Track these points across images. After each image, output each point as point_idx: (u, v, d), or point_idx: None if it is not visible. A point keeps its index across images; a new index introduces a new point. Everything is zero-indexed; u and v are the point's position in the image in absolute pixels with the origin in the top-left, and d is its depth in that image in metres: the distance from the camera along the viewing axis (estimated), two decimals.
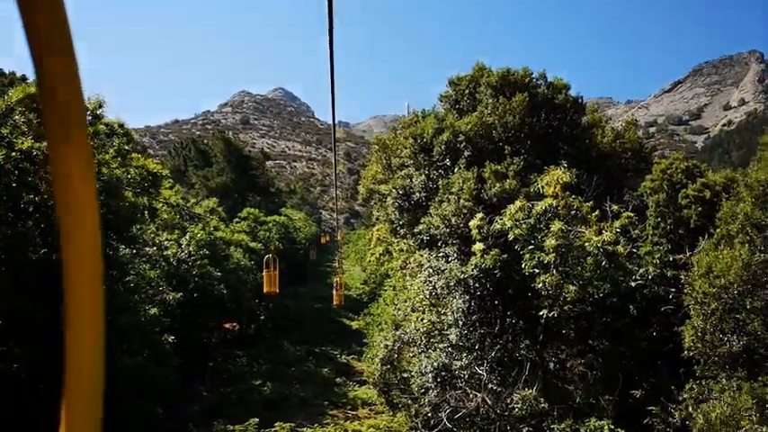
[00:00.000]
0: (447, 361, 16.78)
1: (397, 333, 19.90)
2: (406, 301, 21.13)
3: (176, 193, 37.82)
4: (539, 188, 14.56)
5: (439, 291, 16.86)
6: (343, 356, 36.30)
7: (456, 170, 17.90)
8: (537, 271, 14.12)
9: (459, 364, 16.52)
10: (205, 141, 68.05)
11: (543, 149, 18.69)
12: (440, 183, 18.07)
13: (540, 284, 13.89)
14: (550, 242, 12.75)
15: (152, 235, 22.13)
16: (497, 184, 16.37)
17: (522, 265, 14.24)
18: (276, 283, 24.98)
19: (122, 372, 13.86)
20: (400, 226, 20.62)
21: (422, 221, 18.35)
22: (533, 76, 20.20)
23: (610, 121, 22.86)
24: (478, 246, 14.41)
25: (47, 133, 0.72)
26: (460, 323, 16.43)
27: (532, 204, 14.08)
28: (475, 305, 16.14)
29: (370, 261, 49.35)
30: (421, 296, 18.29)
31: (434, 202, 17.94)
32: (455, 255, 16.75)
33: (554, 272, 13.98)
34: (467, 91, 20.78)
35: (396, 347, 20.07)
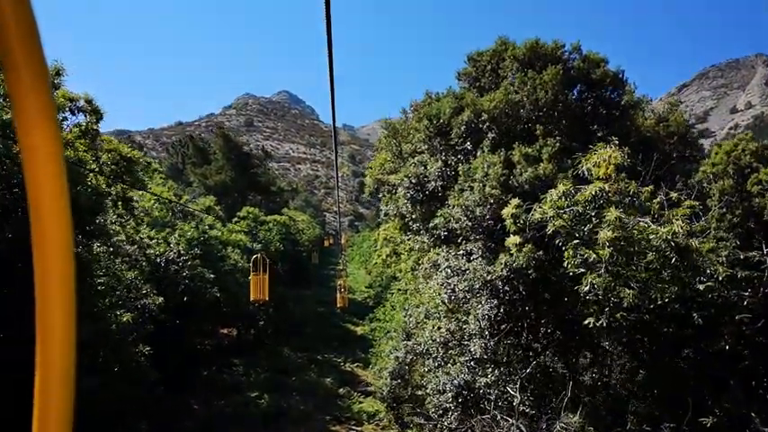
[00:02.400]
0: (470, 378, 14.23)
1: (409, 343, 17.36)
2: (418, 307, 18.59)
3: (169, 189, 35.53)
4: (582, 171, 11.98)
5: (460, 295, 14.31)
6: (348, 364, 34.03)
7: (479, 154, 15.38)
8: (582, 271, 11.57)
9: (483, 381, 13.97)
10: (204, 138, 65.60)
11: (578, 131, 16.17)
12: (460, 169, 15.52)
13: (587, 287, 11.33)
14: (605, 234, 10.21)
15: (131, 230, 19.64)
16: (529, 169, 13.84)
17: (565, 264, 11.67)
18: (265, 290, 21.82)
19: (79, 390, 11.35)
20: (413, 220, 18.05)
21: (438, 214, 15.82)
22: (565, 48, 17.70)
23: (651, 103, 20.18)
24: (513, 239, 11.83)
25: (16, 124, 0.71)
26: (486, 333, 13.86)
27: (576, 190, 11.52)
28: (504, 312, 13.58)
29: (375, 263, 46.89)
30: (437, 301, 15.74)
31: (453, 192, 15.41)
32: (479, 252, 14.20)
33: (602, 272, 11.44)
34: (488, 67, 18.24)
35: (407, 360, 17.55)
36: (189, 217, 33.59)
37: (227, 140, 54.07)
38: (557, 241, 11.74)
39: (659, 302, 10.94)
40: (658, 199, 11.39)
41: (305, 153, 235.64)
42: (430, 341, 15.77)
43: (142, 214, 28.01)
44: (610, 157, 11.16)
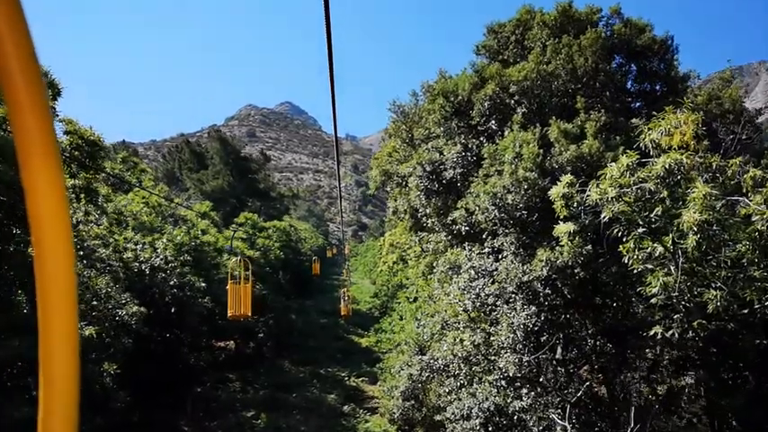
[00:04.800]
0: (501, 400, 11.72)
1: (424, 358, 14.82)
2: (433, 316, 16.07)
3: (159, 191, 33.19)
4: (646, 144, 9.47)
5: (489, 300, 11.81)
6: (352, 379, 31.75)
7: (506, 134, 12.92)
8: (650, 267, 9.10)
9: (518, 405, 11.45)
10: (202, 145, 63.16)
11: (620, 107, 13.75)
12: (484, 150, 13.06)
13: (656, 288, 8.84)
14: (691, 217, 7.75)
15: (104, 231, 17.21)
16: (571, 147, 11.39)
17: (626, 260, 9.18)
18: (248, 303, 17.53)
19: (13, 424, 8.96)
20: (426, 216, 15.53)
21: (458, 206, 13.36)
22: (603, 13, 15.26)
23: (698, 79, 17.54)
24: (565, 227, 9.29)
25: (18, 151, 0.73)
26: (520, 346, 11.35)
27: (640, 164, 9.00)
28: (543, 320, 11.07)
29: (381, 270, 44.42)
30: (457, 308, 13.23)
31: (477, 178, 12.96)
32: (512, 248, 11.70)
33: (677, 268, 8.98)
34: (512, 38, 15.80)
35: (422, 378, 15.02)
36: (180, 222, 31.26)
37: (224, 143, 51.58)
38: (614, 231, 9.26)
39: (756, 306, 8.46)
40: (751, 173, 8.92)
41: (307, 163, 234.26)
42: (450, 356, 13.24)
43: (130, 218, 25.76)
44: (686, 121, 8.72)
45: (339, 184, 10.77)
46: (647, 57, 14.88)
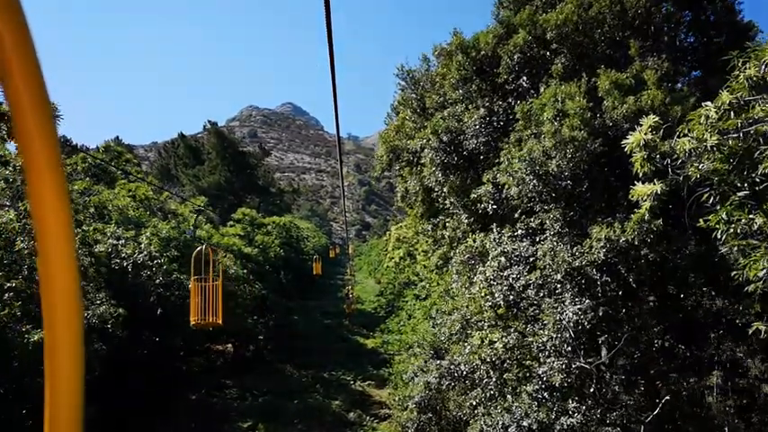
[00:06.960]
0: (544, 416, 9.41)
1: (443, 364, 12.53)
2: (451, 314, 13.80)
3: (149, 184, 31.03)
4: (744, 81, 7.09)
5: (530, 293, 9.51)
6: (358, 383, 29.65)
7: (542, 90, 10.64)
8: (755, 243, 6.82)
9: (566, 422, 9.16)
10: (197, 139, 60.93)
11: (680, 60, 11.44)
12: (518, 109, 10.75)
13: (762, 272, 6.56)
14: None
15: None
16: (629, 99, 9.08)
17: (718, 235, 6.90)
18: (218, 308, 13.68)
19: None
20: (443, 195, 13.22)
21: (484, 179, 11.07)
22: None
23: None
24: (645, 188, 6.84)
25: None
26: (568, 348, 9.05)
27: (747, 102, 6.68)
28: (600, 316, 8.77)
29: (387, 267, 42.11)
30: (485, 303, 10.93)
31: (507, 145, 10.65)
32: (556, 227, 9.39)
33: None
34: None
35: (442, 386, 12.72)
36: (170, 216, 29.15)
37: (221, 137, 49.27)
38: (704, 196, 6.98)
39: None
40: None
41: (309, 163, 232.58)
42: (477, 361, 10.94)
43: (114, 212, 23.75)
44: None
45: (342, 182, 8.68)
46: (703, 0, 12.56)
